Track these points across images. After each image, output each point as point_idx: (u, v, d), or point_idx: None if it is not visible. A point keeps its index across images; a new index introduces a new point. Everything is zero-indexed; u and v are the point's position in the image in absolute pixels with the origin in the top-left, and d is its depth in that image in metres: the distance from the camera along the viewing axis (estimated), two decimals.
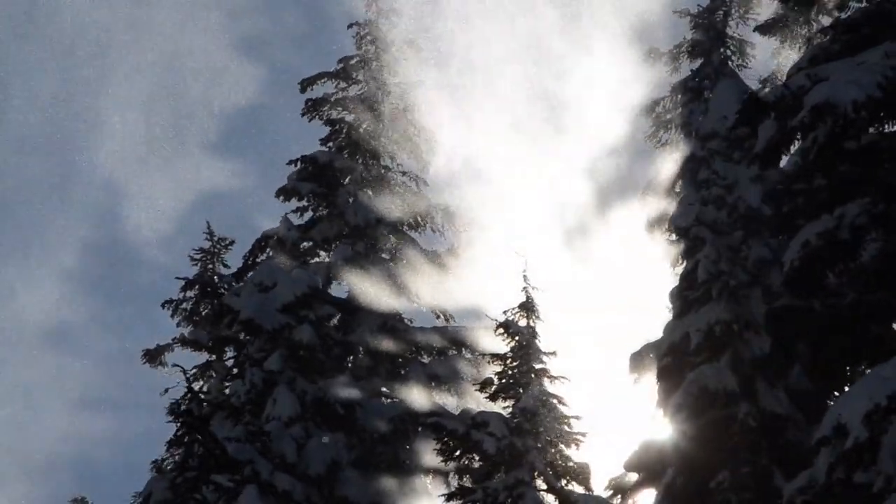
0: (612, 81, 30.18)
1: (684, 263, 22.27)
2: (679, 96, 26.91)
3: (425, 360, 31.19)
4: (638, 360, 23.29)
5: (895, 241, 17.13)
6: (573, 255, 26.73)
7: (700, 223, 21.54)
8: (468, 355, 30.78)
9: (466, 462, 23.14)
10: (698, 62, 27.05)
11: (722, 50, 26.64)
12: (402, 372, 30.84)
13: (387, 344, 30.66)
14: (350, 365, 30.63)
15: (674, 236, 22.74)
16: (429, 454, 27.97)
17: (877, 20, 18.33)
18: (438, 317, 31.83)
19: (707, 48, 26.72)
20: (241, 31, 51.87)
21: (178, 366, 26.18)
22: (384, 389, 30.52)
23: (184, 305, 31.26)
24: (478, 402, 26.47)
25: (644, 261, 24.94)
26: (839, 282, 17.94)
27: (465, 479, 24.55)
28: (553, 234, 29.56)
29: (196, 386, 28.81)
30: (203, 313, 31.14)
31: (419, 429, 29.64)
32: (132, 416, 58.99)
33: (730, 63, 26.72)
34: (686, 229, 22.00)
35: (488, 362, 23.83)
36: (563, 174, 31.63)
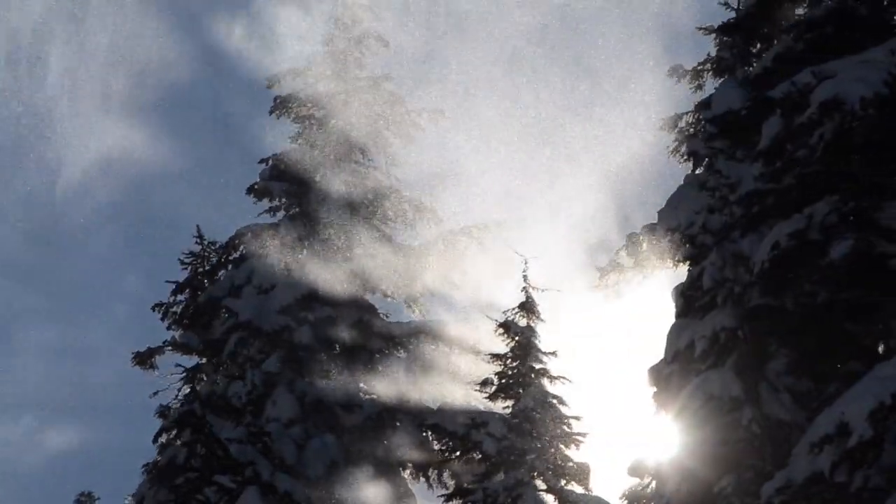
0: (638, 94, 30.09)
1: (688, 264, 22.15)
2: (701, 113, 26.81)
3: (401, 354, 31.00)
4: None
5: (866, 239, 16.99)
6: (587, 261, 26.50)
7: (706, 231, 21.41)
8: (445, 349, 30.55)
9: (450, 458, 23.00)
10: (722, 79, 26.93)
11: (746, 68, 26.47)
12: (379, 367, 30.61)
13: (362, 339, 30.48)
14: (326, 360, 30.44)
15: (677, 236, 22.60)
16: (406, 449, 28.01)
17: (838, 19, 18.34)
18: (412, 310, 31.77)
19: (731, 65, 26.52)
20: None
21: (180, 366, 26.11)
22: (361, 385, 30.31)
23: (174, 309, 30.72)
24: (454, 395, 26.49)
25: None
26: (812, 280, 17.80)
27: (444, 474, 24.40)
28: (569, 242, 29.32)
29: (186, 390, 28.64)
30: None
31: (396, 424, 29.52)
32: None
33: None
34: (692, 237, 21.89)
35: (488, 362, 23.71)
36: (583, 187, 31.36)
